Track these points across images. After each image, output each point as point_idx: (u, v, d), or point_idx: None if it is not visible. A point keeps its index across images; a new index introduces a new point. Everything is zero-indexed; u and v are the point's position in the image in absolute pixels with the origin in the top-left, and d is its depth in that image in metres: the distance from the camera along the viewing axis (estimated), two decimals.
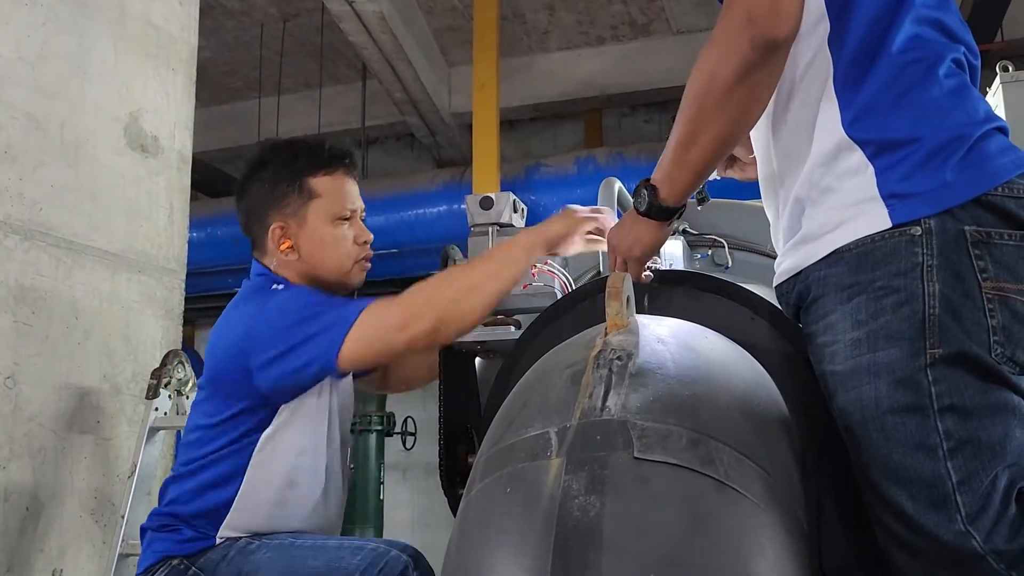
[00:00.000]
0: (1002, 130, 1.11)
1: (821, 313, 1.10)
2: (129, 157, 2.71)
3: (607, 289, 1.07)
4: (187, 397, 2.53)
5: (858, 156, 1.10)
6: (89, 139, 2.57)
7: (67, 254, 2.47)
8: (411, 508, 6.89)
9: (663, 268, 1.60)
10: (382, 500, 5.87)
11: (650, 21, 6.03)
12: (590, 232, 1.54)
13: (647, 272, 1.30)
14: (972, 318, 1.01)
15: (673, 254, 1.67)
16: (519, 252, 1.53)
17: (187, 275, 2.93)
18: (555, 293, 1.59)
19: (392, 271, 6.01)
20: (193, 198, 3.05)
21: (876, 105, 1.10)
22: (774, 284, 1.23)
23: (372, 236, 1.74)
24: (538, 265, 1.59)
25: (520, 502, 0.87)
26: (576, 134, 6.82)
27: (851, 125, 1.11)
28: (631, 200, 1.92)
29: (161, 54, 2.87)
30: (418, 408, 5.93)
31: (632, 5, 5.85)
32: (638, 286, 1.15)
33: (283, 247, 1.68)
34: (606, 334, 1.02)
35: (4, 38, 2.36)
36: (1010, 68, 2.80)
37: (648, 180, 1.21)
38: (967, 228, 1.03)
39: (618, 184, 1.74)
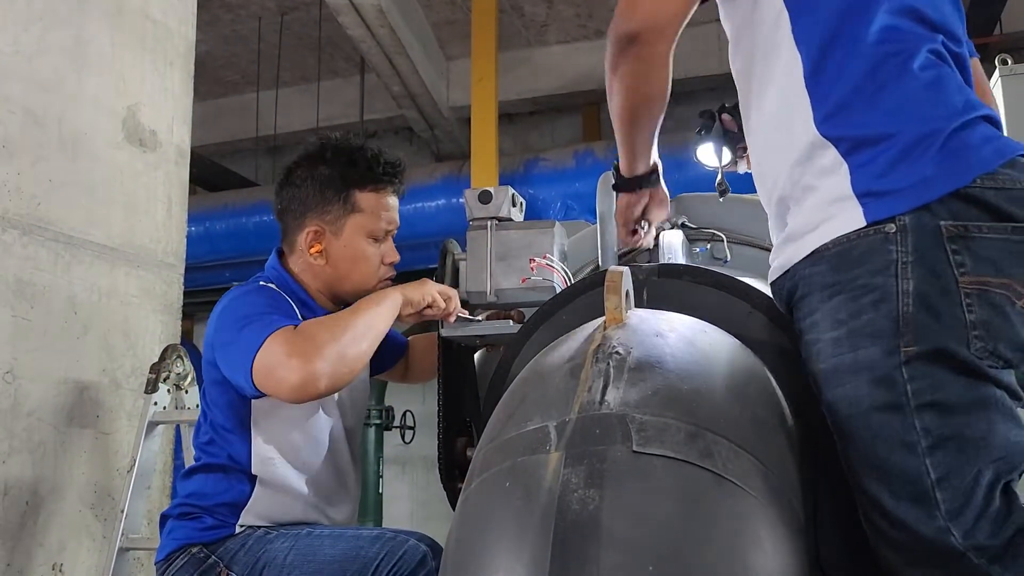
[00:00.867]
0: (989, 119, 1.10)
1: (807, 311, 1.11)
2: (127, 151, 2.71)
3: (606, 283, 1.07)
4: (186, 392, 2.54)
5: (832, 154, 1.10)
6: (87, 133, 2.57)
7: (66, 248, 2.47)
8: (410, 502, 6.90)
9: (662, 262, 1.60)
10: (381, 494, 5.88)
11: None
12: (430, 307, 1.61)
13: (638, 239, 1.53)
14: (950, 314, 1.01)
15: (672, 247, 1.67)
16: (389, 306, 1.59)
17: (186, 269, 2.93)
18: (554, 287, 1.59)
19: None
20: (191, 192, 3.05)
21: (849, 101, 1.10)
22: (769, 281, 1.23)
23: (399, 258, 1.77)
24: (536, 259, 1.60)
25: (519, 496, 0.87)
26: (574, 128, 6.81)
27: (824, 122, 1.11)
28: None
29: (159, 48, 2.86)
30: (417, 402, 5.94)
31: None
32: (637, 280, 1.16)
33: (313, 250, 1.70)
34: (605, 328, 1.03)
35: (1, 32, 2.36)
36: (1009, 61, 2.80)
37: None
38: (943, 223, 1.02)
39: None
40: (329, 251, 1.69)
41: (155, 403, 2.45)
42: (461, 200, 1.78)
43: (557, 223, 1.67)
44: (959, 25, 1.19)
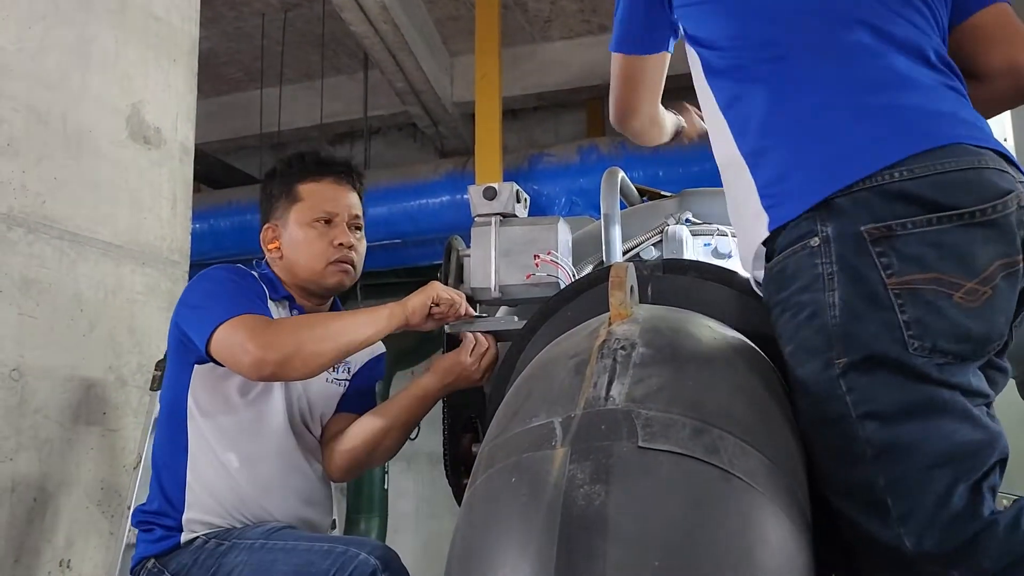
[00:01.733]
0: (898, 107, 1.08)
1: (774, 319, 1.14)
2: (131, 149, 2.71)
3: (610, 279, 1.07)
4: None
5: (746, 171, 1.14)
6: (91, 131, 2.57)
7: (71, 246, 2.47)
8: (416, 498, 6.91)
9: (667, 257, 1.60)
10: (387, 490, 5.89)
11: None
12: (436, 305, 1.61)
13: None
14: (880, 319, 1.00)
15: (677, 243, 1.67)
16: (380, 316, 1.61)
17: (191, 266, 2.94)
18: (558, 283, 1.59)
19: (395, 262, 6.00)
20: (195, 190, 3.05)
21: (751, 116, 1.14)
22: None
23: (352, 241, 1.78)
24: (541, 256, 1.60)
25: (525, 491, 0.87)
26: (579, 123, 6.79)
27: (738, 141, 1.16)
28: (633, 189, 1.93)
29: (162, 45, 2.86)
30: None
31: None
32: (642, 276, 1.16)
33: (271, 247, 1.80)
34: (610, 324, 1.02)
35: (4, 30, 2.36)
36: None
37: None
38: (864, 228, 1.01)
39: (621, 174, 1.74)
40: (282, 245, 1.78)
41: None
42: (465, 196, 1.78)
43: (561, 219, 1.67)
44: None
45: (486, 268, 1.63)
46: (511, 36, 5.97)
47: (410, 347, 5.84)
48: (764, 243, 1.12)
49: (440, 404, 1.69)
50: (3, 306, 2.27)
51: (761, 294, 1.18)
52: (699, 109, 1.35)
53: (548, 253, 1.60)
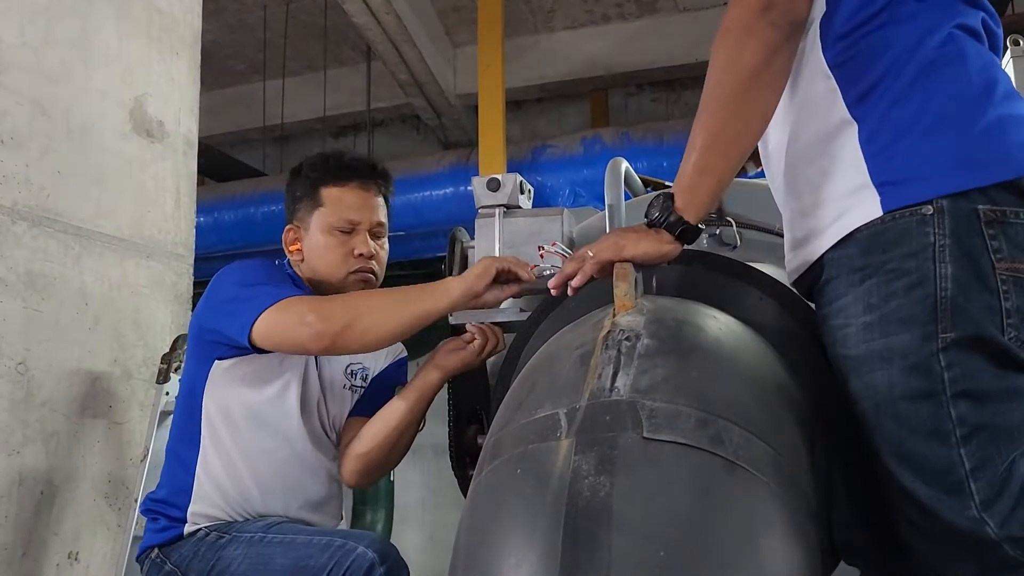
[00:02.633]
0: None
1: (833, 296, 1.08)
2: (135, 142, 2.71)
3: (615, 270, 1.07)
4: None
5: (853, 139, 1.07)
6: (95, 124, 2.57)
7: (75, 240, 2.47)
8: (421, 489, 6.92)
9: None
10: (392, 481, 5.90)
11: None
12: (503, 272, 1.49)
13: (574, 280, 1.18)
14: (985, 301, 0.99)
15: None
16: (439, 291, 1.52)
17: (195, 260, 2.94)
18: None
19: (399, 254, 5.97)
20: (199, 183, 3.05)
21: (873, 83, 1.06)
22: (789, 281, 1.21)
23: (373, 252, 1.75)
24: (545, 247, 1.59)
25: (530, 483, 0.87)
26: (582, 114, 6.78)
27: (849, 106, 1.07)
28: (637, 180, 1.92)
29: (165, 38, 2.86)
30: None
31: None
32: (647, 267, 1.15)
33: (293, 248, 1.78)
34: (614, 315, 1.02)
35: (7, 23, 2.36)
36: (1021, 42, 2.77)
37: (666, 194, 1.13)
38: (980, 208, 0.99)
39: (625, 164, 1.73)
40: (304, 248, 1.76)
41: (167, 393, 2.46)
42: (469, 188, 1.78)
43: (565, 210, 1.67)
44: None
45: None
46: (514, 27, 5.95)
47: (414, 339, 5.84)
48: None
49: (445, 396, 1.69)
50: (8, 300, 2.27)
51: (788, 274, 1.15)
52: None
53: (552, 244, 1.59)
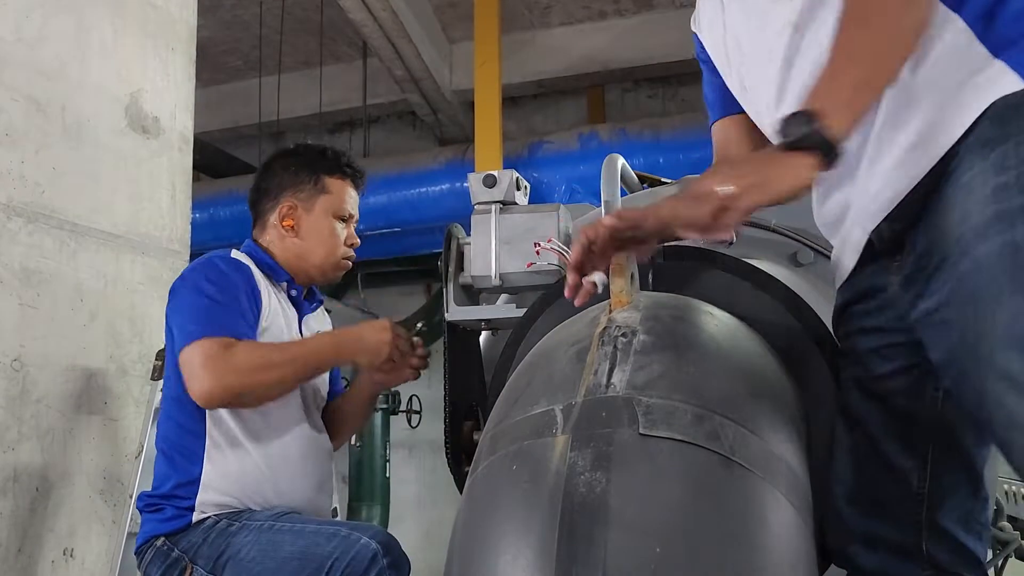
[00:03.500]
0: None
1: (959, 180, 0.95)
2: (130, 138, 2.70)
3: (611, 266, 1.07)
4: None
5: (958, 25, 0.97)
6: (90, 120, 2.57)
7: (71, 236, 2.47)
8: (417, 485, 6.93)
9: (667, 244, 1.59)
10: (388, 478, 5.91)
11: None
12: (388, 360, 1.71)
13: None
14: None
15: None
16: (328, 351, 1.72)
17: (190, 256, 2.93)
18: (559, 271, 1.58)
19: (395, 250, 6.00)
20: (195, 179, 3.05)
21: None
22: (872, 223, 1.06)
23: (360, 242, 1.92)
24: (541, 243, 1.59)
25: (526, 479, 0.87)
26: (579, 110, 6.77)
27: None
28: (633, 176, 1.92)
29: (160, 33, 2.85)
30: (423, 386, 5.92)
31: None
32: (642, 263, 1.15)
33: (285, 223, 1.85)
34: (610, 311, 1.02)
35: (2, 19, 2.35)
36: None
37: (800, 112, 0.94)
38: None
39: (621, 161, 1.73)
40: (300, 225, 1.85)
41: (162, 390, 2.45)
42: (465, 184, 1.79)
43: (562, 206, 1.67)
44: None
45: (487, 256, 1.63)
46: (510, 22, 5.94)
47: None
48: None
49: (442, 392, 1.69)
50: (3, 296, 2.27)
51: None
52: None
53: (549, 241, 1.59)
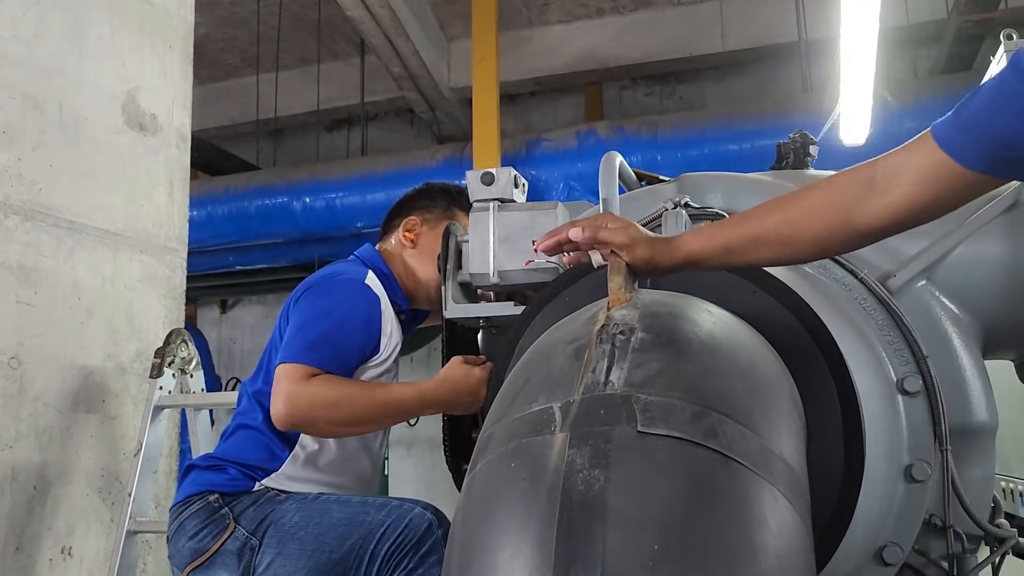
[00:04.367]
0: None
1: None
2: (128, 136, 2.70)
3: (609, 264, 1.07)
4: (191, 376, 2.54)
5: None
6: (87, 118, 2.56)
7: (68, 234, 2.46)
8: (416, 483, 6.93)
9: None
10: (387, 475, 5.92)
11: None
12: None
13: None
14: None
15: (675, 227, 1.67)
16: (413, 404, 1.66)
17: (188, 254, 2.93)
18: (557, 269, 1.58)
19: None
20: (192, 176, 3.05)
21: None
22: None
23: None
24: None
25: (524, 476, 0.87)
26: (577, 108, 6.77)
27: None
28: (631, 174, 1.92)
29: (157, 31, 2.85)
30: None
31: None
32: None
33: (407, 235, 1.91)
34: (608, 309, 1.02)
35: None
36: (1014, 36, 2.77)
37: None
38: None
39: (619, 158, 1.73)
40: (420, 239, 1.91)
41: (160, 387, 2.45)
42: (463, 182, 1.78)
43: (560, 204, 1.67)
44: None
45: (484, 254, 1.63)
46: (508, 20, 5.94)
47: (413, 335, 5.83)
48: None
49: None
50: (1, 294, 2.26)
51: None
52: None
53: (536, 251, 1.59)
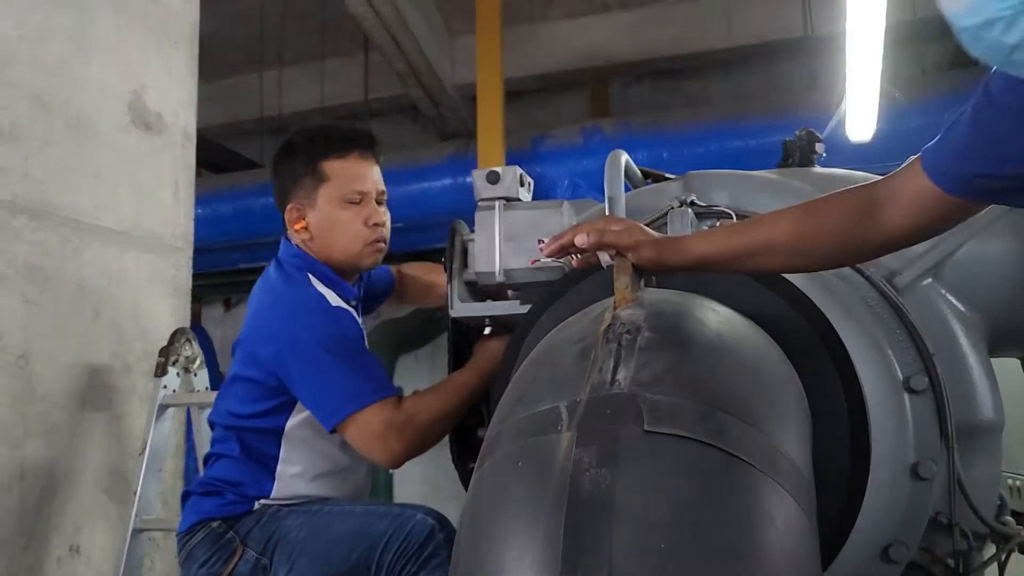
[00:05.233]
0: None
1: None
2: (134, 135, 2.70)
3: (615, 263, 1.07)
4: (195, 375, 2.55)
5: None
6: (93, 117, 2.57)
7: (74, 233, 2.47)
8: (421, 482, 6.93)
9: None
10: (391, 474, 5.93)
11: None
12: None
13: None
14: None
15: (681, 226, 1.67)
16: (477, 385, 1.65)
17: (193, 252, 2.94)
18: (563, 267, 1.59)
19: (397, 246, 5.96)
20: (197, 175, 3.05)
21: None
22: None
23: (385, 219, 1.78)
24: (545, 240, 1.59)
25: (531, 475, 0.87)
26: (582, 104, 6.76)
27: None
28: (637, 172, 1.92)
29: (163, 29, 2.85)
30: (426, 382, 5.95)
31: None
32: None
33: (297, 227, 1.76)
34: (615, 308, 1.03)
35: (5, 16, 2.35)
36: None
37: None
38: None
39: (625, 156, 1.73)
40: (311, 225, 1.75)
41: (165, 386, 2.46)
42: (468, 179, 1.78)
43: (565, 202, 1.67)
44: None
45: (490, 253, 1.63)
46: (512, 15, 5.93)
47: (413, 332, 5.84)
48: None
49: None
50: (8, 293, 2.27)
51: None
52: None
53: (541, 251, 1.59)
